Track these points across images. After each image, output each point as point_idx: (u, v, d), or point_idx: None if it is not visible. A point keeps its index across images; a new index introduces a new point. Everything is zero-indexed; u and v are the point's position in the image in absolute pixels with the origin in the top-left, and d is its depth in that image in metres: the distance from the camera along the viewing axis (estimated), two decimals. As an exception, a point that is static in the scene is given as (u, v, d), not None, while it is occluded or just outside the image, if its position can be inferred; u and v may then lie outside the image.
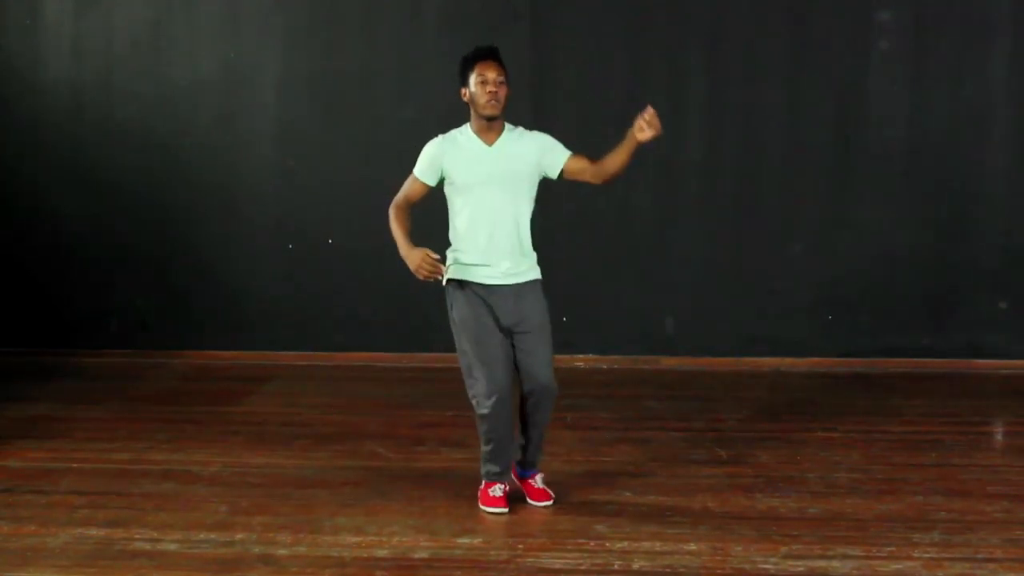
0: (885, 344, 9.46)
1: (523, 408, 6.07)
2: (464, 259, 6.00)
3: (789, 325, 9.47)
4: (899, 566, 5.33)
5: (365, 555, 5.44)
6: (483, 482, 6.12)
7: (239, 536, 5.66)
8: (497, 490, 6.06)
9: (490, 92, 5.89)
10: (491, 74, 5.89)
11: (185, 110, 9.71)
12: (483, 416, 5.95)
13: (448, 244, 6.11)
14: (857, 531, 5.76)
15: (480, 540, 5.63)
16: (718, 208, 9.49)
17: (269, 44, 9.65)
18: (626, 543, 5.58)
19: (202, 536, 5.66)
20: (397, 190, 9.38)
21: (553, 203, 9.44)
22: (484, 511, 6.03)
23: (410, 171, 6.12)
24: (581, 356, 9.55)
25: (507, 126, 6.09)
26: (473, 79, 5.91)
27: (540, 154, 6.07)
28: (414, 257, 5.76)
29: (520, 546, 5.55)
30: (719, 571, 5.28)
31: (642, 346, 9.56)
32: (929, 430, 7.63)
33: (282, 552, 5.47)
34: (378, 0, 9.63)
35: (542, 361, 6.01)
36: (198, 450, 7.15)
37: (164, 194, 9.77)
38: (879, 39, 9.32)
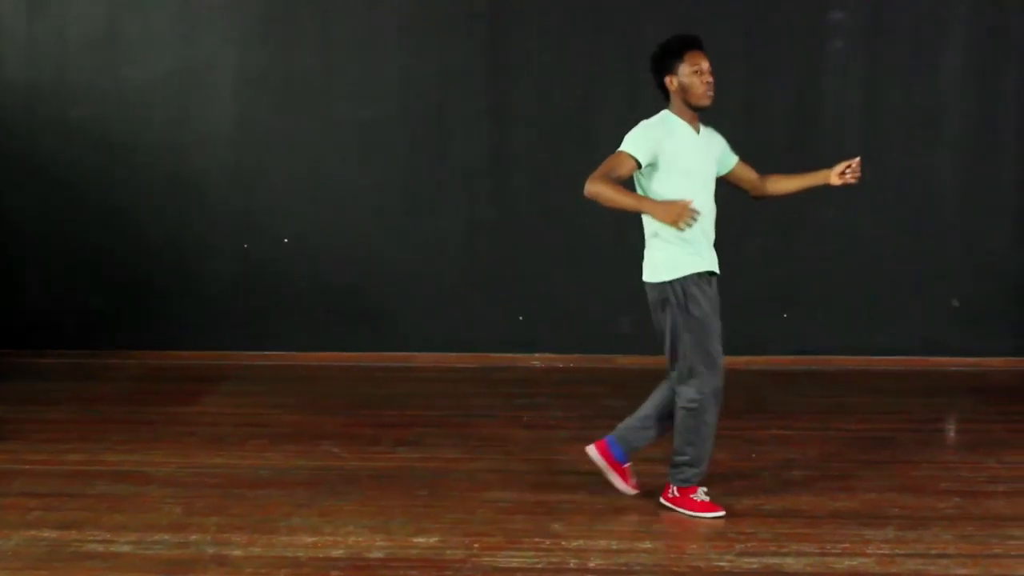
0: (840, 342, 9.52)
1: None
2: (685, 250, 5.87)
3: (745, 323, 9.47)
4: (853, 562, 5.37)
5: (320, 555, 5.42)
6: (683, 488, 6.02)
7: (193, 537, 5.63)
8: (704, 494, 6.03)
9: (707, 83, 5.87)
10: (705, 64, 5.88)
11: (140, 109, 9.65)
12: (705, 412, 5.90)
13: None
14: (811, 528, 5.80)
15: (436, 539, 5.61)
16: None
17: (225, 43, 9.60)
18: (582, 541, 5.59)
19: (156, 537, 5.63)
20: (354, 190, 9.52)
21: (512, 202, 9.50)
22: (702, 518, 5.95)
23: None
24: (538, 355, 9.56)
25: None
26: (685, 68, 5.87)
27: (722, 150, 6.13)
28: (675, 208, 5.56)
29: (476, 545, 5.54)
30: (674, 568, 5.29)
31: (599, 345, 9.57)
32: (883, 427, 7.68)
33: (237, 553, 5.45)
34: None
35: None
36: (153, 451, 7.10)
37: (119, 194, 9.71)
38: (833, 39, 9.37)
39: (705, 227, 5.91)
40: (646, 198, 5.76)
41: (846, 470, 6.71)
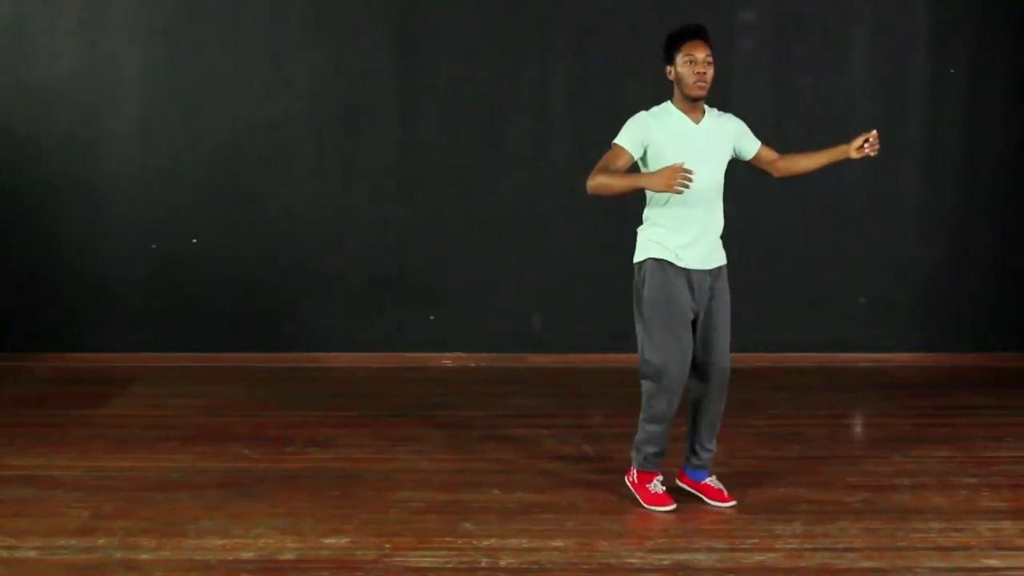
0: (751, 339, 9.58)
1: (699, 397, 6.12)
2: (668, 238, 5.93)
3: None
4: (762, 557, 5.42)
5: (230, 558, 5.37)
6: (641, 472, 6.15)
7: (101, 541, 5.56)
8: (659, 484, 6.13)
9: (698, 73, 5.87)
10: (700, 54, 5.88)
11: (47, 107, 9.50)
12: (652, 397, 5.98)
13: (636, 220, 6.08)
14: (721, 524, 5.85)
15: (347, 540, 5.59)
16: (585, 205, 9.52)
17: (133, 41, 9.47)
18: (493, 540, 5.59)
19: (63, 542, 5.55)
20: (263, 189, 9.45)
21: (423, 202, 9.49)
22: (651, 510, 6.04)
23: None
24: (449, 354, 9.55)
25: (706, 106, 6.07)
26: (680, 58, 5.89)
27: (738, 136, 6.16)
28: (665, 172, 5.61)
29: (387, 545, 5.53)
30: (585, 566, 5.31)
31: (510, 344, 9.58)
32: (792, 423, 7.77)
33: (145, 557, 5.38)
34: (243, -2, 9.55)
35: (725, 343, 6.06)
36: (59, 454, 7.00)
37: (25, 193, 9.55)
38: (742, 39, 9.46)
39: (704, 216, 5.97)
40: (639, 174, 5.81)
41: (756, 466, 6.77)
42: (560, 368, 9.39)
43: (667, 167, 5.62)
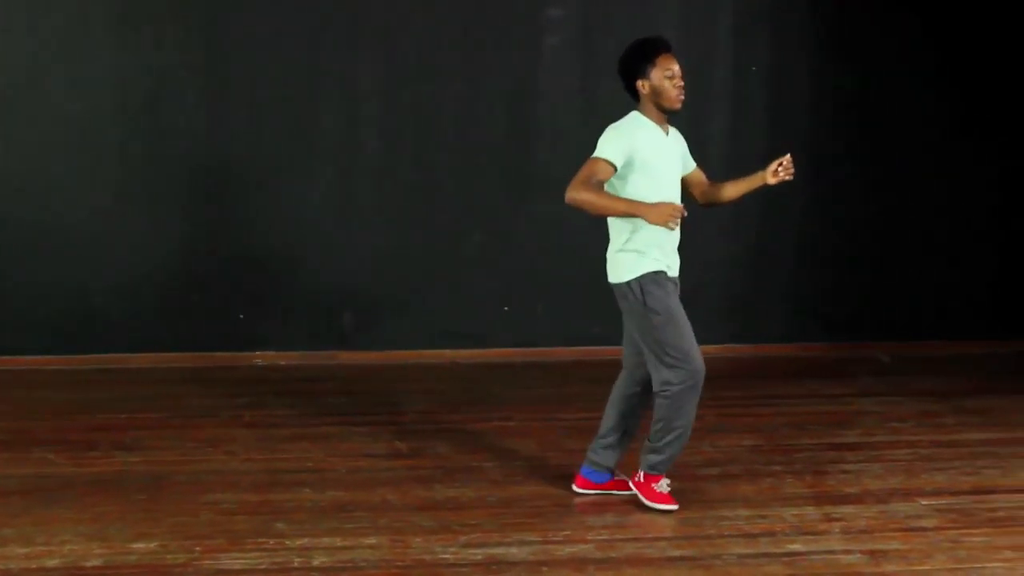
0: (560, 333, 9.69)
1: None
2: (655, 249, 5.94)
3: (467, 317, 9.58)
4: (574, 549, 5.48)
5: (34, 566, 5.22)
6: (649, 475, 6.08)
7: None
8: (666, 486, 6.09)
9: (679, 87, 5.88)
10: (676, 67, 5.89)
11: None
12: (681, 399, 5.94)
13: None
14: (534, 517, 5.89)
15: (156, 544, 5.48)
16: (397, 203, 9.52)
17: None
18: (306, 540, 5.54)
19: None
20: (65, 185, 9.20)
21: (231, 198, 9.34)
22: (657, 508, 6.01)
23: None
24: (260, 352, 9.43)
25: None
26: (657, 72, 5.87)
27: (684, 154, 6.19)
28: (664, 209, 5.62)
29: (198, 548, 5.44)
30: (399, 563, 5.30)
31: (322, 341, 9.51)
32: (602, 415, 7.83)
33: (-57, 567, 5.22)
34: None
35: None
36: None
37: None
38: (550, 35, 9.54)
39: (676, 229, 5.97)
40: (637, 203, 5.75)
41: (567, 459, 6.81)
42: (372, 365, 9.35)
43: (667, 204, 5.65)
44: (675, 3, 9.64)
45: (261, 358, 9.43)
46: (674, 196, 6.01)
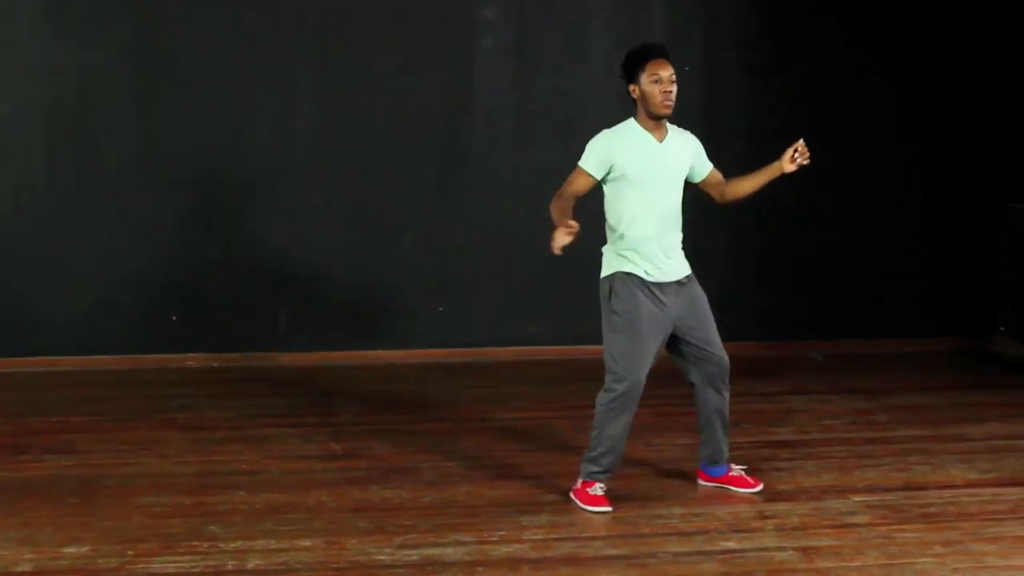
0: (496, 333, 9.68)
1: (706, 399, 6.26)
2: (634, 254, 6.01)
3: (401, 317, 9.55)
4: (510, 549, 5.49)
5: (-38, 572, 5.18)
6: (585, 481, 6.15)
7: None
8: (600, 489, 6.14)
9: (665, 92, 5.90)
10: (664, 72, 5.91)
11: None
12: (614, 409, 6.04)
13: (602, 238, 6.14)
14: (470, 517, 5.90)
15: (88, 548, 5.44)
16: (331, 203, 9.48)
17: None
18: (240, 542, 5.52)
19: None
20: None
21: (159, 198, 9.26)
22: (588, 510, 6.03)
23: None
24: (193, 355, 9.35)
25: (668, 124, 6.08)
26: (645, 77, 5.90)
27: (695, 156, 6.21)
28: (558, 233, 5.74)
29: (130, 552, 5.40)
30: (334, 565, 5.29)
31: (256, 343, 9.45)
32: (538, 415, 7.86)
33: None
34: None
35: (718, 345, 6.22)
36: None
37: None
38: (483, 36, 9.53)
39: (660, 235, 6.05)
40: (559, 218, 5.84)
41: (503, 459, 6.84)
42: (307, 367, 9.30)
43: (559, 228, 5.73)
44: (608, 4, 9.66)
45: (194, 360, 9.35)
46: (665, 202, 6.08)
